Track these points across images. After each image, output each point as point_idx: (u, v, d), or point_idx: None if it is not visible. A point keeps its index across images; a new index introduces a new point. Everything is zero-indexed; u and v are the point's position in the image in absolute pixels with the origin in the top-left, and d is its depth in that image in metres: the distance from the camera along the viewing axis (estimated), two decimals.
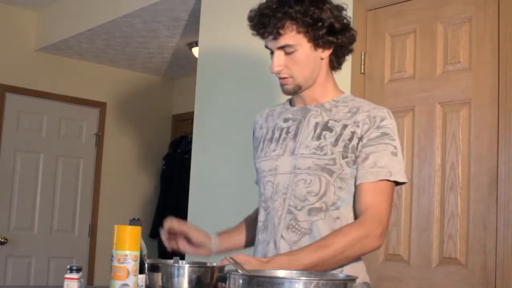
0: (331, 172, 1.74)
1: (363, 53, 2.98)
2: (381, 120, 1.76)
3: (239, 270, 1.29)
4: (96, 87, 5.75)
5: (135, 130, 5.97)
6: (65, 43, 5.18)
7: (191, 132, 4.05)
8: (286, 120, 1.87)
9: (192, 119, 3.97)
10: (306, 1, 1.73)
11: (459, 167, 2.61)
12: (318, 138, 1.77)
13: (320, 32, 1.74)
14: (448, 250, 2.60)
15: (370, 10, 3.00)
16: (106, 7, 4.65)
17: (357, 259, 1.76)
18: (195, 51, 4.94)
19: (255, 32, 1.81)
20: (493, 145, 2.51)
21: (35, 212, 5.35)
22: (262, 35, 1.79)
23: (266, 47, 1.82)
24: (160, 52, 5.38)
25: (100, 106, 5.77)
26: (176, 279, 1.54)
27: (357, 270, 1.75)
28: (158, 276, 1.59)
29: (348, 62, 2.98)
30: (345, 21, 1.79)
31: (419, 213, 2.71)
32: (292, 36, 1.74)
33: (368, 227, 1.67)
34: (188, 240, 1.91)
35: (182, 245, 1.91)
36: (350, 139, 1.75)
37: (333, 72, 1.88)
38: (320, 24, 1.73)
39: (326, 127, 1.78)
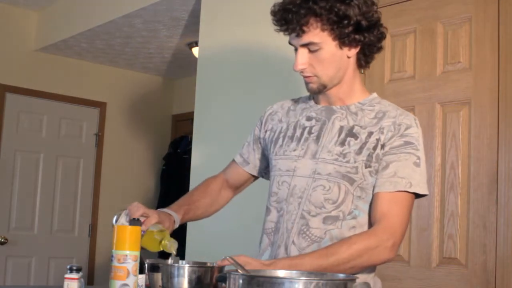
0: (352, 181, 1.68)
1: None
2: (406, 128, 1.69)
3: (239, 270, 1.29)
4: (96, 87, 5.75)
5: (135, 130, 5.97)
6: (65, 43, 5.18)
7: (191, 132, 4.05)
8: (309, 119, 1.79)
9: (192, 119, 3.97)
10: None
11: (459, 167, 2.61)
12: (342, 144, 1.70)
13: (346, 30, 1.64)
14: (448, 250, 2.60)
15: None
16: (106, 7, 4.65)
17: (369, 271, 1.71)
18: (195, 51, 4.94)
19: (278, 28, 1.71)
20: (493, 145, 2.51)
21: (35, 212, 5.35)
22: (285, 32, 1.70)
23: (290, 43, 1.73)
24: (160, 52, 5.38)
25: (100, 106, 5.77)
26: (176, 279, 1.54)
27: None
28: (158, 276, 1.58)
29: None
30: (374, 17, 1.68)
31: (419, 213, 2.71)
32: (317, 34, 1.65)
33: (379, 238, 1.60)
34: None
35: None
36: (375, 148, 1.68)
37: (360, 71, 1.80)
38: (346, 21, 1.63)
39: (351, 133, 1.71)
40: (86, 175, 5.66)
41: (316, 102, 1.83)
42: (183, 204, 1.94)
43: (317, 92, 1.77)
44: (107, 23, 4.64)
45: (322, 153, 1.71)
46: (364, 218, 1.70)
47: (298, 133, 1.79)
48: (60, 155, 5.52)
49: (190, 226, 3.77)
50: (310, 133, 1.77)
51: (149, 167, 6.02)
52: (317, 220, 1.69)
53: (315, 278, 1.18)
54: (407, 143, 1.68)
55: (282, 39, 1.79)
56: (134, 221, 1.63)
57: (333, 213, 1.68)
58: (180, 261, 1.64)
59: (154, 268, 1.60)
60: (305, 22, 1.64)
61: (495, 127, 2.51)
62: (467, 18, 2.65)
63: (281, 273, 1.35)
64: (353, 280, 1.22)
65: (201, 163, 3.77)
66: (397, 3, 2.89)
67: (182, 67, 5.77)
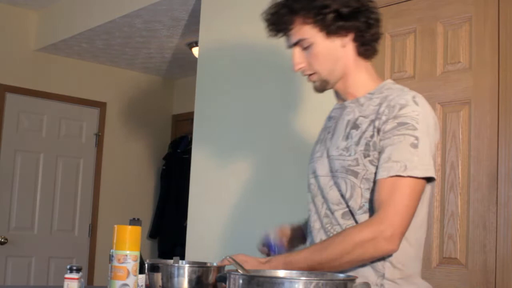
0: (355, 174, 1.63)
1: None
2: (400, 108, 1.61)
3: (239, 270, 1.29)
4: (96, 87, 5.75)
5: (135, 130, 5.97)
6: (65, 43, 5.17)
7: (191, 132, 4.05)
8: (330, 119, 1.81)
9: (192, 119, 3.97)
10: None
11: (459, 167, 2.61)
12: (347, 138, 1.68)
13: (329, 19, 1.65)
14: (448, 250, 2.60)
15: None
16: (106, 7, 4.65)
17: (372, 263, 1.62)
18: (195, 51, 4.94)
19: (270, 33, 1.76)
20: (493, 145, 2.51)
21: (35, 212, 5.35)
22: (276, 35, 1.74)
23: (288, 47, 1.76)
24: (160, 52, 5.38)
25: (100, 106, 5.76)
26: (176, 279, 1.54)
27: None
28: (158, 276, 1.59)
29: None
30: (354, 4, 1.67)
31: None
32: (303, 30, 1.68)
33: (374, 229, 1.52)
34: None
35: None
36: (372, 136, 1.62)
37: (368, 61, 1.77)
38: (325, 10, 1.64)
39: (354, 125, 1.68)
40: (86, 175, 5.66)
41: (337, 102, 1.83)
42: None
43: (322, 90, 1.77)
44: (107, 23, 4.64)
45: (332, 150, 1.71)
46: None
47: (322, 135, 1.82)
48: (60, 155, 5.52)
49: (190, 227, 3.77)
50: (329, 132, 1.78)
51: (149, 167, 6.02)
52: (337, 216, 1.67)
53: (315, 278, 1.18)
54: (400, 124, 1.59)
55: (282, 39, 1.80)
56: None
57: (348, 209, 1.66)
58: (180, 261, 1.64)
59: (154, 268, 1.60)
60: (289, 21, 1.69)
61: (495, 127, 2.51)
62: (467, 18, 2.65)
63: (281, 273, 1.35)
64: (353, 280, 1.22)
65: (201, 163, 3.77)
66: (397, 3, 2.89)
67: (182, 67, 5.77)
